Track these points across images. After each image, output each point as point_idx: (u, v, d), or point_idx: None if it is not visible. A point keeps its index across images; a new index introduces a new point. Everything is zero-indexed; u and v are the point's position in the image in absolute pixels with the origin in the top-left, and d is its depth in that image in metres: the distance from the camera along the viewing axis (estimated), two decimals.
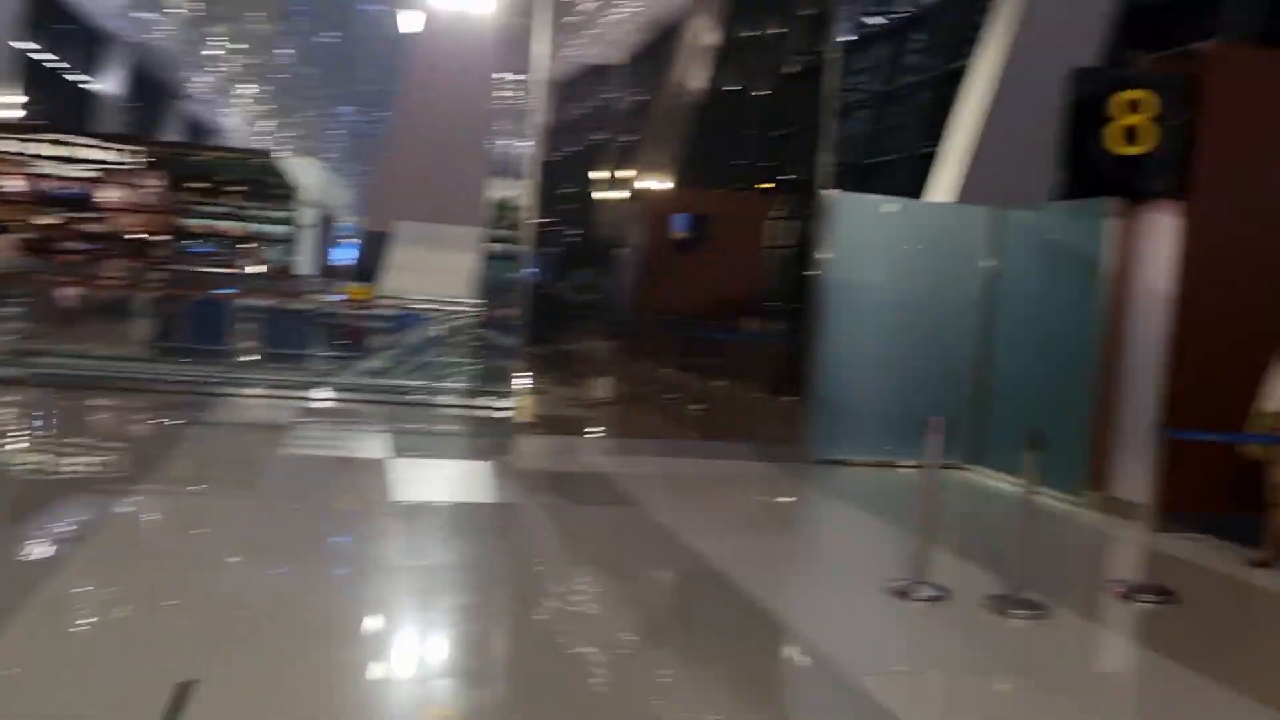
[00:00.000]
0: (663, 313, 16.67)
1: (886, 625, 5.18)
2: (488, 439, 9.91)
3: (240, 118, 78.00)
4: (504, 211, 12.05)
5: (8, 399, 10.10)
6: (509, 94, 12.89)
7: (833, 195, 9.53)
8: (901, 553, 6.23)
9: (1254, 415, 6.76)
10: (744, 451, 9.73)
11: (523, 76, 11.81)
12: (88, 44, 59.86)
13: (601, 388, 13.84)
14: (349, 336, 12.27)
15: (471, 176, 21.68)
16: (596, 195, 25.51)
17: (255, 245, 27.28)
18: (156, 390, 11.05)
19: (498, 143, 14.43)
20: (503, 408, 11.11)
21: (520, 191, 9.63)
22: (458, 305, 13.63)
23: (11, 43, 44.57)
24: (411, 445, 9.25)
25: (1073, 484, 8.38)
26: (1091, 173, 7.81)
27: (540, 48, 9.12)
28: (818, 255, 9.44)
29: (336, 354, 13.77)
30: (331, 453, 8.57)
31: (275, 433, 9.25)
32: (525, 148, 9.47)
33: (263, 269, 25.90)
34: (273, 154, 25.34)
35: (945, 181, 22.22)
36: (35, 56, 54.17)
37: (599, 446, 9.67)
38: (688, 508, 7.58)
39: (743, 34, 20.63)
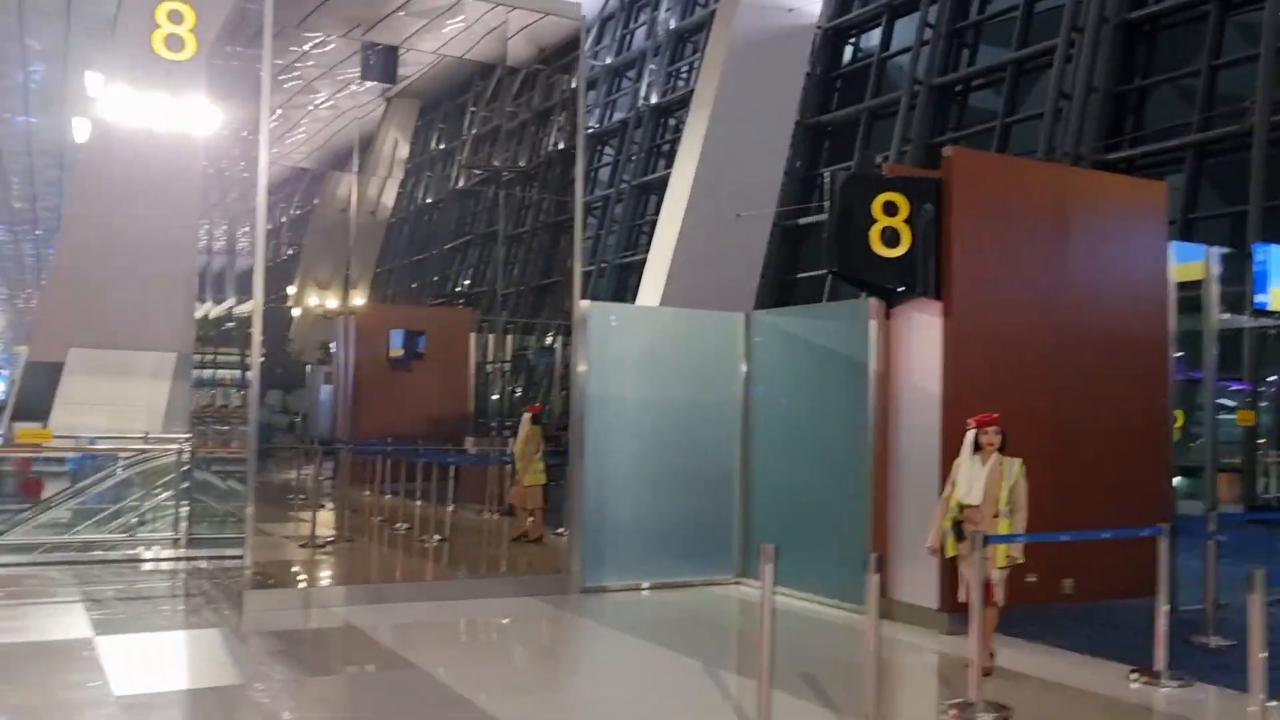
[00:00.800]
0: (377, 435, 15.51)
1: None
2: (208, 598, 8.49)
3: None
4: (216, 331, 10.66)
5: None
6: (221, 200, 11.58)
7: (584, 305, 9.05)
8: (713, 691, 5.67)
9: (946, 507, 6.43)
10: (503, 587, 8.87)
11: (234, 182, 10.67)
12: None
13: (323, 524, 12.51)
14: (24, 488, 10.36)
15: (166, 294, 19.65)
16: (289, 308, 23.99)
17: None
18: None
19: (207, 255, 13.00)
20: (222, 558, 9.67)
21: (244, 307, 8.47)
22: (158, 443, 11.96)
23: None
24: (117, 617, 7.72)
25: (855, 592, 8.16)
26: (858, 274, 7.80)
27: (264, 154, 8.10)
28: (575, 368, 8.89)
29: (7, 509, 11.70)
30: (18, 638, 6.91)
31: None
32: (247, 259, 8.36)
33: None
34: None
35: (650, 288, 22.60)
36: None
37: (342, 595, 8.49)
38: (470, 663, 6.64)
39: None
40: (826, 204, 7.81)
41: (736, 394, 9.53)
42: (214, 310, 10.96)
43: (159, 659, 6.61)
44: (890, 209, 7.64)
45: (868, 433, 8.15)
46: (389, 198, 15.71)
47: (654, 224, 24.20)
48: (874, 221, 7.62)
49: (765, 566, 5.15)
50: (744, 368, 9.55)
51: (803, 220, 24.11)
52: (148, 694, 5.67)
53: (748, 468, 9.51)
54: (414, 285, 19.45)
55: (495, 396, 16.38)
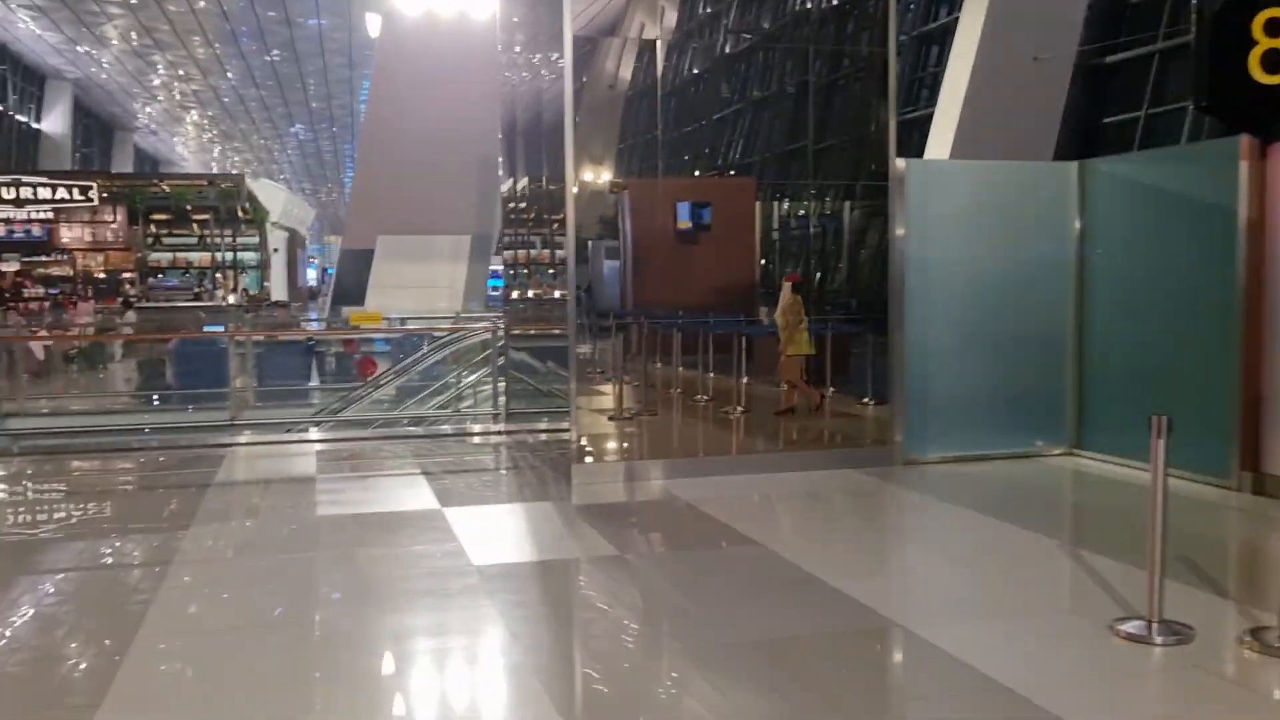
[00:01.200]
0: (663, 308, 15.53)
1: (1154, 687, 4.10)
2: (535, 471, 8.74)
3: (191, 145, 76.11)
4: (524, 210, 10.82)
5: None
6: (518, 82, 11.63)
7: (900, 163, 8.42)
8: (1082, 573, 5.18)
9: None
10: (821, 459, 8.61)
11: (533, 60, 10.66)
12: (27, 84, 57.78)
13: (629, 397, 12.68)
14: (360, 368, 11.01)
15: (459, 179, 20.44)
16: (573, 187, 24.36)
17: (227, 274, 25.86)
18: (151, 448, 9.78)
19: (505, 139, 13.21)
20: (546, 431, 9.96)
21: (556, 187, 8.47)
22: (475, 322, 12.42)
23: None
24: (456, 489, 8.05)
25: (1218, 466, 7.35)
26: (1234, 106, 6.77)
27: (568, 28, 7.93)
28: (892, 230, 8.34)
29: (345, 387, 12.57)
30: (373, 508, 7.33)
31: (298, 489, 8.04)
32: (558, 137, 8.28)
33: (237, 299, 24.51)
34: (238, 177, 23.76)
35: (937, 144, 21.24)
36: None
37: (662, 468, 8.51)
38: (808, 538, 6.46)
39: None
40: (1194, 25, 6.77)
41: (1069, 252, 8.70)
42: (520, 186, 11.10)
43: (505, 531, 6.82)
44: (1273, 28, 6.53)
45: (1235, 289, 7.22)
46: (661, 66, 15.35)
47: (935, 76, 22.68)
48: (1254, 44, 6.54)
49: (1156, 441, 4.58)
50: (1077, 223, 8.68)
51: (1110, 58, 21.86)
52: (504, 564, 5.83)
53: (1082, 331, 8.73)
54: (693, 154, 19.11)
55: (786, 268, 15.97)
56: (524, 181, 11.63)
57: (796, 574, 5.53)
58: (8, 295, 20.41)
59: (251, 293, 25.97)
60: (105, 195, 22.72)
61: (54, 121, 59.87)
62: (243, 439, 9.81)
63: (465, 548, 6.05)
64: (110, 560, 6.14)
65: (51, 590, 5.43)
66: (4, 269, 22.82)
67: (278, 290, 29.41)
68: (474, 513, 7.12)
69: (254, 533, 6.70)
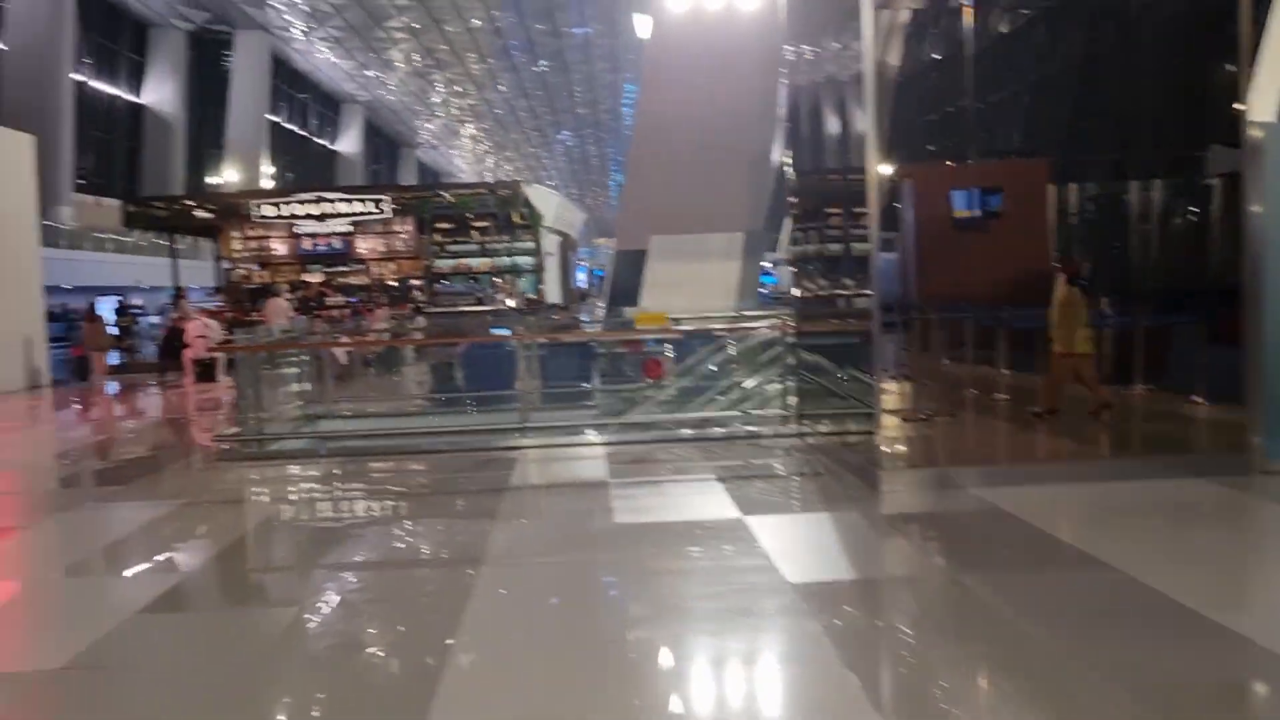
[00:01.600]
0: (948, 299, 14.57)
1: None
2: (837, 477, 8.22)
3: (467, 157, 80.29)
4: (819, 202, 10.31)
5: (304, 474, 9.22)
6: (804, 69, 11.14)
7: (1258, 131, 7.31)
8: None
9: None
10: (1160, 467, 7.63)
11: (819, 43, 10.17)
12: (324, 108, 62.71)
13: (919, 396, 11.92)
14: (646, 369, 10.85)
15: (731, 176, 20.22)
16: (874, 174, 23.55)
17: (506, 279, 26.83)
18: (446, 450, 9.97)
19: (789, 129, 12.76)
20: (837, 433, 9.43)
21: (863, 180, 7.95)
22: (757, 320, 12.04)
23: (265, 115, 46.61)
24: (754, 495, 7.67)
25: None
26: None
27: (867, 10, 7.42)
28: (1251, 208, 7.25)
29: (628, 389, 12.49)
30: (671, 516, 7.06)
31: (593, 494, 7.88)
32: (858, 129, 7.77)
33: (516, 303, 25.36)
34: (515, 184, 24.59)
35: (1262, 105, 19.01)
36: (282, 125, 57.08)
37: (975, 475, 7.79)
38: (1167, 559, 5.62)
39: None
40: None
41: None
42: (806, 178, 10.60)
43: (815, 542, 6.36)
44: None
45: None
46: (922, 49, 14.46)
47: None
48: None
49: None
50: None
51: None
52: (821, 581, 5.37)
53: None
54: (981, 135, 17.89)
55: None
56: (809, 173, 11.14)
57: (1165, 604, 4.76)
58: (313, 304, 21.90)
59: (529, 296, 26.74)
60: (396, 207, 23.99)
61: (348, 142, 64.78)
62: (532, 441, 9.84)
63: (775, 562, 5.64)
64: (417, 567, 6.15)
65: (363, 585, 5.46)
66: (310, 280, 24.56)
67: (551, 293, 30.21)
68: (777, 522, 6.70)
69: (555, 541, 6.55)
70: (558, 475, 8.83)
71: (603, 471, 8.66)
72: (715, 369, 11.95)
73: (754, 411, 10.62)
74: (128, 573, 6.20)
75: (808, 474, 8.50)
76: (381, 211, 23.91)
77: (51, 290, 28.98)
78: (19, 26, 35.92)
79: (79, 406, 16.72)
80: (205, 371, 18.52)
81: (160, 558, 6.60)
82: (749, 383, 11.06)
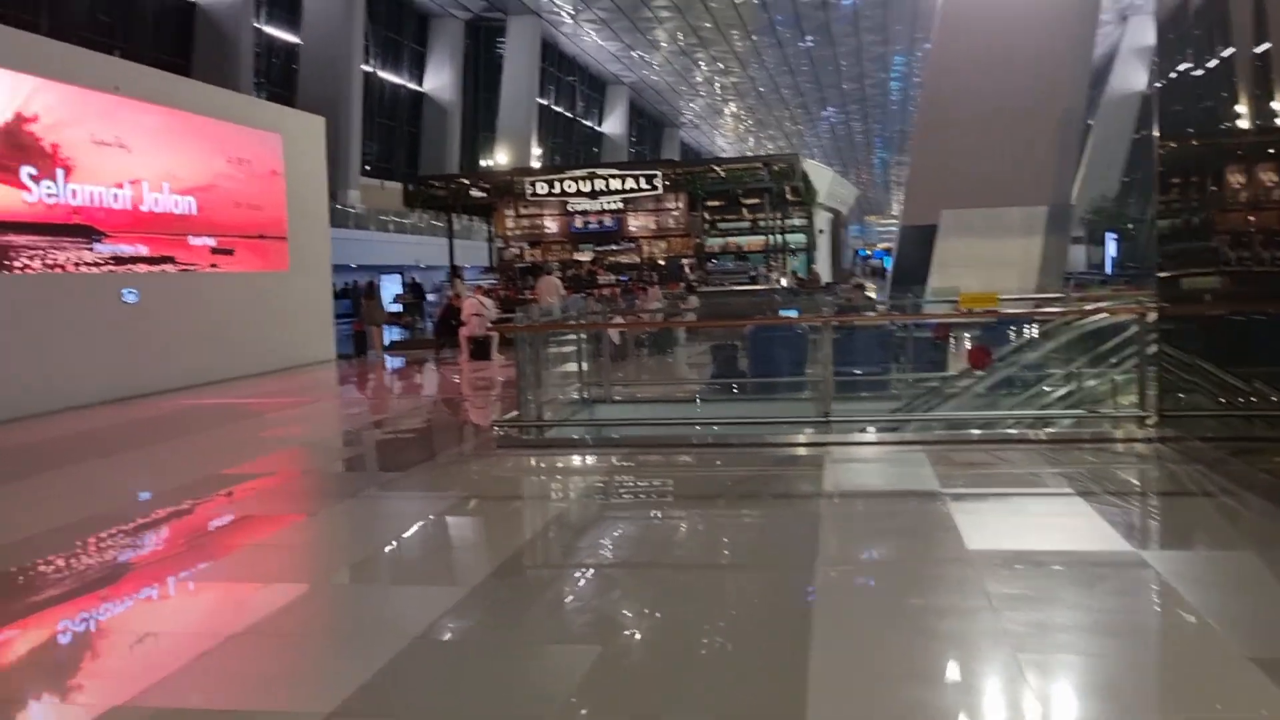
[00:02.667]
0: None
1: None
2: (1240, 499, 6.52)
3: (729, 136, 79.52)
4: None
5: (587, 466, 8.39)
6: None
7: None
8: None
9: None
10: None
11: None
12: (590, 90, 63.47)
13: None
14: (971, 358, 9.37)
15: (1033, 146, 18.20)
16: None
17: (778, 258, 25.64)
18: (737, 443, 8.89)
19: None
20: (1204, 439, 7.66)
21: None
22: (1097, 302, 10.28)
23: (535, 99, 47.35)
24: (1142, 521, 6.14)
25: None
26: None
27: None
28: None
29: (936, 379, 11.04)
30: (1041, 544, 5.64)
31: (926, 508, 6.56)
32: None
33: (788, 282, 24.14)
34: (793, 157, 23.28)
35: None
36: (551, 108, 58.16)
37: None
38: None
39: None
40: None
41: None
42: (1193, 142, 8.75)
43: (1268, 600, 4.79)
44: None
45: None
46: None
47: None
48: None
49: None
50: None
51: None
52: None
53: None
54: None
55: None
56: (1188, 130, 9.26)
57: None
58: (585, 283, 21.51)
59: (800, 275, 25.42)
60: (668, 183, 23.21)
61: (613, 123, 65.33)
62: (834, 437, 8.61)
63: (1217, 625, 4.17)
64: (735, 596, 5.05)
65: (675, 618, 4.41)
66: (581, 259, 24.26)
67: (822, 272, 28.76)
68: (1194, 562, 5.18)
69: (900, 574, 5.29)
70: (873, 480, 7.56)
71: (929, 478, 7.31)
72: (1035, 359, 10.31)
73: (1100, 410, 8.96)
74: (407, 585, 5.46)
75: (1195, 493, 6.83)
76: (654, 188, 23.21)
77: (340, 269, 30.27)
78: (314, 23, 37.86)
79: (362, 382, 16.88)
80: (480, 349, 18.38)
81: (442, 564, 5.85)
82: (1087, 376, 9.38)
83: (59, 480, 8.53)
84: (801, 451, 8.41)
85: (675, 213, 24.08)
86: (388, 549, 6.12)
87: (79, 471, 8.89)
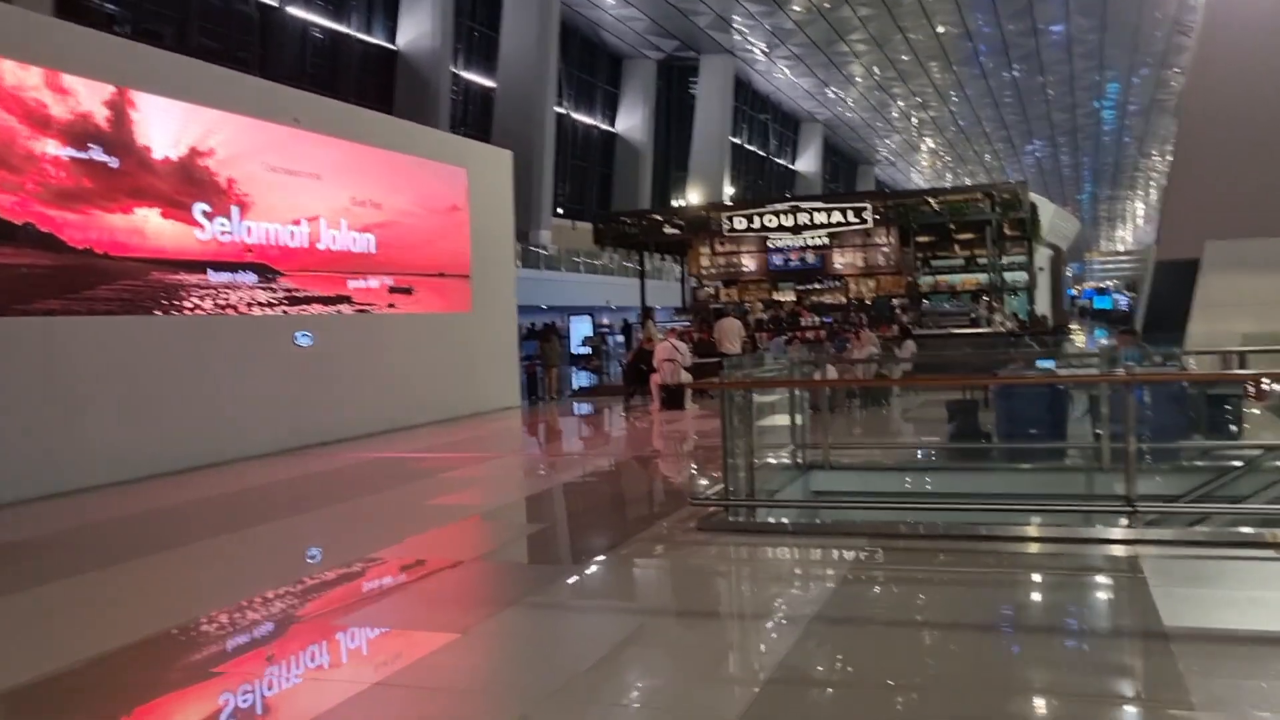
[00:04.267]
0: None
1: None
2: None
3: (926, 173, 76.03)
4: None
5: (824, 564, 6.42)
6: None
7: None
8: None
9: None
10: None
11: None
12: (783, 128, 61.61)
13: None
14: None
15: None
16: None
17: (997, 297, 22.96)
18: (1005, 535, 6.72)
19: None
20: None
21: None
22: None
23: (727, 137, 45.96)
24: None
25: None
26: None
27: None
28: None
29: (1248, 450, 8.55)
30: None
31: None
32: None
33: (1010, 325, 21.46)
34: (1019, 185, 20.68)
35: None
36: (743, 146, 56.63)
37: None
38: None
39: None
40: None
41: None
42: None
43: None
44: None
45: None
46: None
47: None
48: None
49: None
50: None
51: None
52: None
53: None
54: None
55: None
56: None
57: None
58: (785, 325, 19.52)
59: (1021, 318, 22.64)
60: (877, 216, 20.97)
61: (807, 161, 63.17)
62: (1149, 534, 6.33)
63: None
64: None
65: None
66: (781, 299, 22.29)
67: (1043, 313, 25.83)
68: None
69: None
70: (1241, 612, 5.23)
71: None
72: None
73: None
74: None
75: None
76: (862, 221, 21.01)
77: (529, 309, 29.32)
78: (510, 65, 37.50)
79: (546, 434, 15.39)
80: (672, 398, 16.66)
81: None
82: None
83: (171, 562, 7.17)
84: (1100, 552, 6.18)
85: (885, 248, 21.81)
86: (549, 698, 4.28)
87: (199, 551, 7.53)
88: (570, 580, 6.32)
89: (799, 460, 9.55)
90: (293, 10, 31.12)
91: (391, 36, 34.50)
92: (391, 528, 8.07)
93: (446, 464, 11.49)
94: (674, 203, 48.54)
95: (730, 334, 18.45)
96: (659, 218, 24.22)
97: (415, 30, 34.23)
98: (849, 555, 6.42)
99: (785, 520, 7.47)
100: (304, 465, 11.51)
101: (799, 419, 9.60)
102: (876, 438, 12.65)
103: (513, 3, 37.17)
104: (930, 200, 21.16)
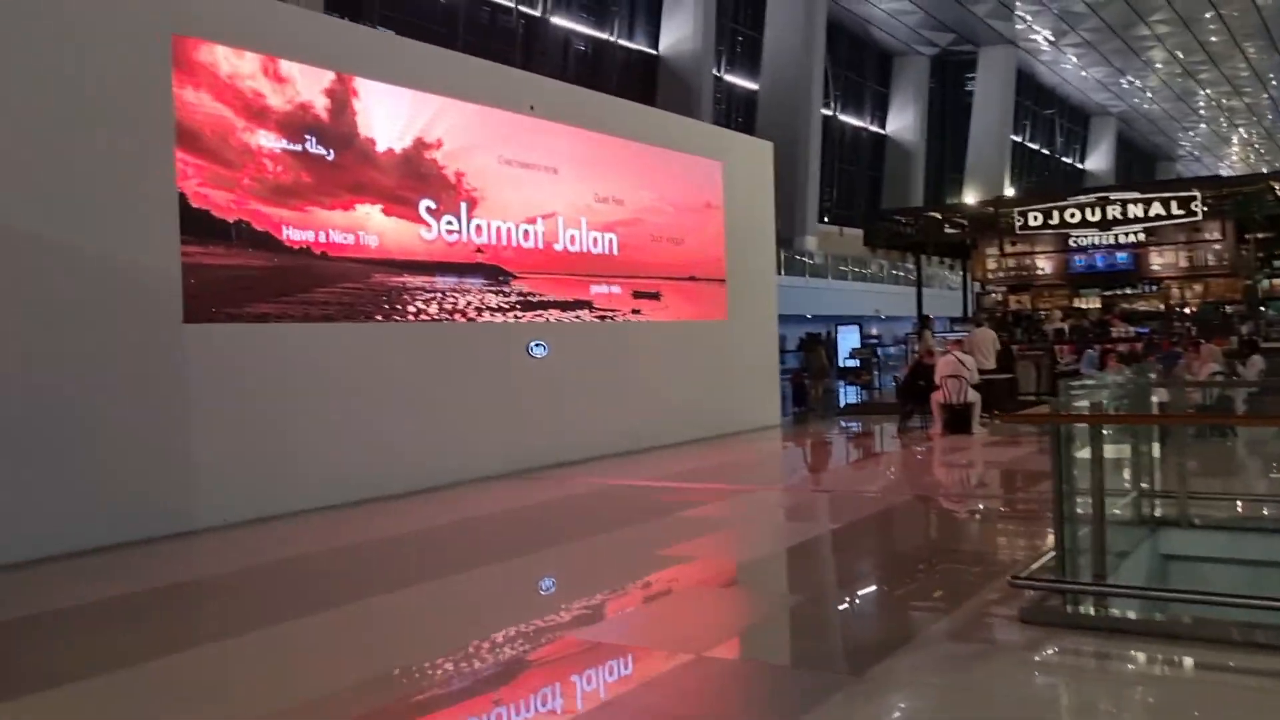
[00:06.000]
0: None
1: None
2: None
3: (1237, 168, 67.71)
4: None
5: (1199, 683, 4.08)
6: None
7: None
8: None
9: None
10: None
11: None
12: (1071, 124, 56.33)
13: None
14: None
15: None
16: None
17: None
18: None
19: None
20: None
21: None
22: None
23: (1008, 135, 42.07)
24: None
25: None
26: None
27: None
28: None
29: None
30: None
31: None
32: None
33: None
34: None
35: None
36: (1024, 144, 52.09)
37: None
38: None
39: None
40: None
41: None
42: None
43: None
44: None
45: None
46: None
47: None
48: None
49: None
50: None
51: None
52: None
53: None
54: None
55: None
56: None
57: None
58: (1092, 337, 16.47)
59: None
60: (1207, 208, 17.40)
61: (1098, 159, 57.52)
62: None
63: None
64: None
65: None
66: (1083, 305, 19.10)
67: None
68: None
69: None
70: None
71: None
72: None
73: None
74: None
75: None
76: (1190, 214, 17.50)
77: (793, 319, 27.23)
78: (774, 67, 35.61)
79: (809, 461, 13.32)
80: (957, 420, 14.15)
81: None
82: None
83: (325, 626, 5.67)
84: None
85: (1216, 245, 18.18)
86: None
87: (363, 611, 6.02)
88: (836, 697, 4.24)
89: (1150, 512, 7.06)
90: (556, 19, 30.61)
91: (654, 42, 33.46)
92: (601, 583, 6.31)
93: (691, 497, 9.66)
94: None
95: (984, 346, 15.76)
96: (937, 215, 21.47)
97: (677, 34, 33.03)
98: (1248, 684, 4.02)
99: (1158, 616, 5.07)
100: (528, 493, 10.03)
101: (1144, 457, 7.11)
102: (1244, 482, 9.73)
103: (777, 2, 35.28)
104: (1276, 186, 17.32)
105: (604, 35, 32.28)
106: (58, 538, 7.26)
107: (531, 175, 11.64)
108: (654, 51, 33.48)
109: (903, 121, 44.80)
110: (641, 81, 32.69)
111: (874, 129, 45.03)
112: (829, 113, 40.85)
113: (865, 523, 8.46)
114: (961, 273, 23.00)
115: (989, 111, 45.45)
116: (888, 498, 9.80)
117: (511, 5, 28.87)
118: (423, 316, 10.36)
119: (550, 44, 30.12)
